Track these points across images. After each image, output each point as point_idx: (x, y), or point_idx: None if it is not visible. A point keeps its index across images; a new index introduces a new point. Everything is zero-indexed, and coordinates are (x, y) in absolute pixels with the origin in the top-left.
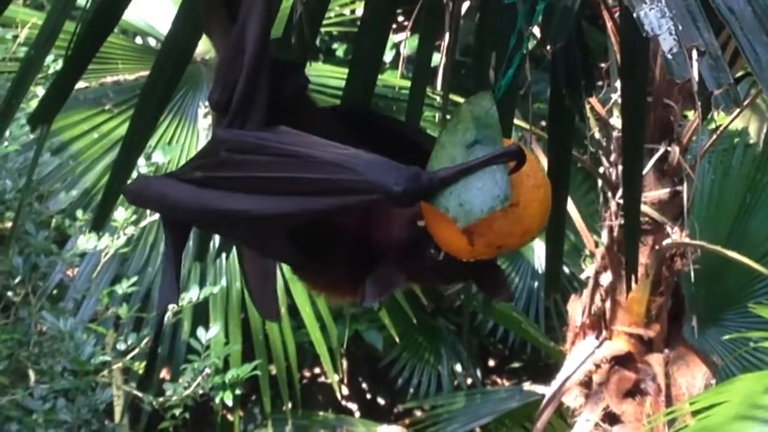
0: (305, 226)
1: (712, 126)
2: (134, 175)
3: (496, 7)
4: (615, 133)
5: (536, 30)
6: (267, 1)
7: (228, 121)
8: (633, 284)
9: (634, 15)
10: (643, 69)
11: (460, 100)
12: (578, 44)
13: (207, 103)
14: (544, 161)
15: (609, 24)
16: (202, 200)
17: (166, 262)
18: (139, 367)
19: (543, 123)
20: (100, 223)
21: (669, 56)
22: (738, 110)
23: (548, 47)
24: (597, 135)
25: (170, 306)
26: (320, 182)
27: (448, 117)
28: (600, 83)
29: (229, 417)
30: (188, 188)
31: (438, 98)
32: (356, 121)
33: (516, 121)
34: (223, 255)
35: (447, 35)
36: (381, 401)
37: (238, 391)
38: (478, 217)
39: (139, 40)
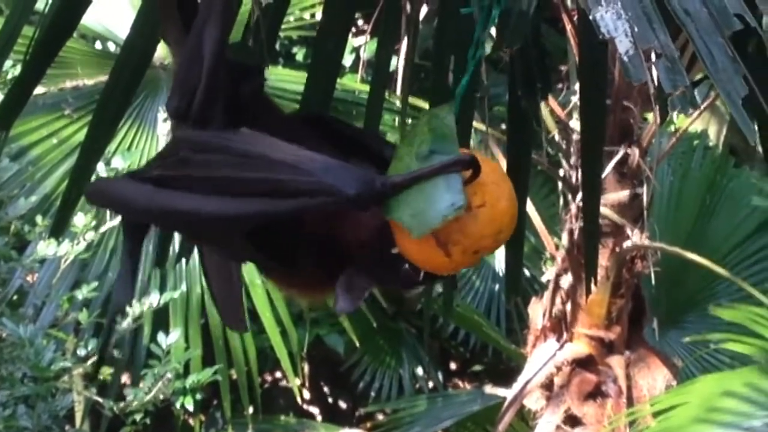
0: (265, 226)
1: (672, 128)
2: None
3: (454, 11)
4: (575, 136)
5: (495, 32)
6: (224, 6)
7: (188, 127)
8: (593, 287)
9: (590, 17)
10: (601, 71)
11: (420, 103)
12: (535, 46)
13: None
14: (503, 164)
15: (568, 26)
16: (159, 201)
17: (123, 262)
18: (103, 373)
19: (503, 126)
20: (59, 229)
21: (625, 58)
22: (697, 112)
23: (505, 50)
24: (557, 137)
25: (129, 309)
26: (276, 183)
27: (408, 121)
28: (560, 86)
29: (191, 422)
30: (146, 188)
31: (397, 102)
32: (316, 125)
33: (475, 124)
34: (183, 260)
35: (405, 39)
36: (343, 405)
37: (199, 396)
38: (432, 227)
39: (98, 44)
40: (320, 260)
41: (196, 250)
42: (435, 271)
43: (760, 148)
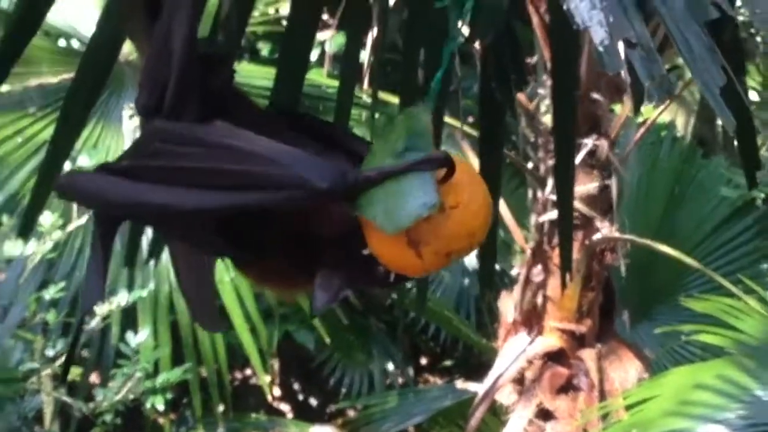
0: (237, 218)
1: (640, 119)
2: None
3: (425, 3)
4: (543, 128)
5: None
6: (191, 2)
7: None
8: (561, 278)
9: (564, 7)
10: (572, 64)
11: (388, 98)
12: (508, 39)
13: (132, 106)
14: (472, 158)
15: (535, 19)
16: (129, 193)
17: (93, 259)
18: (72, 374)
19: (470, 119)
20: (26, 229)
21: (601, 49)
22: (666, 103)
23: (477, 43)
24: (525, 131)
25: (97, 309)
26: (248, 175)
27: (376, 116)
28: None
29: (161, 421)
30: (117, 181)
31: (365, 96)
32: (288, 120)
33: (444, 119)
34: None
35: (374, 32)
36: (313, 402)
37: (169, 396)
38: (405, 225)
39: (62, 42)
40: (293, 254)
41: (166, 250)
42: (405, 272)
43: (736, 140)
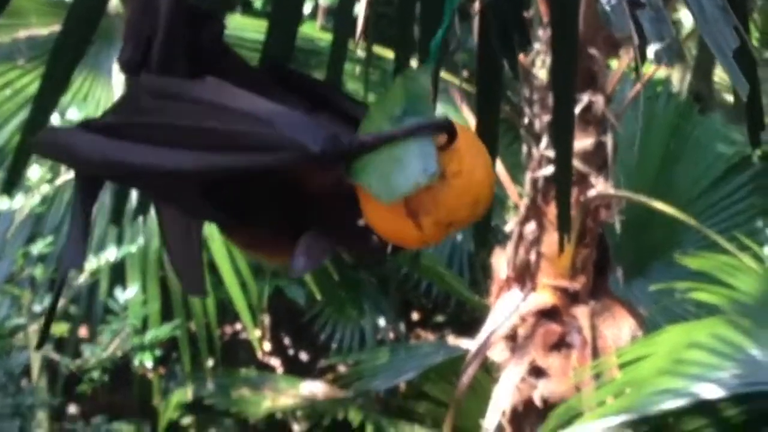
0: (225, 182)
1: (635, 75)
2: None
3: None
4: (537, 83)
5: None
6: None
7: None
8: (558, 237)
9: None
10: (573, 22)
11: (383, 52)
12: None
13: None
14: (468, 114)
15: None
16: (108, 152)
17: (74, 220)
18: (55, 329)
19: (465, 73)
20: (13, 183)
21: (607, 8)
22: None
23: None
24: (520, 85)
25: (86, 264)
26: (238, 135)
27: (370, 70)
28: None
29: (149, 376)
30: (98, 140)
31: (359, 51)
32: (282, 79)
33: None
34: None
35: None
36: (304, 357)
37: (157, 353)
38: (403, 193)
39: None
40: (283, 220)
41: (153, 207)
42: (404, 244)
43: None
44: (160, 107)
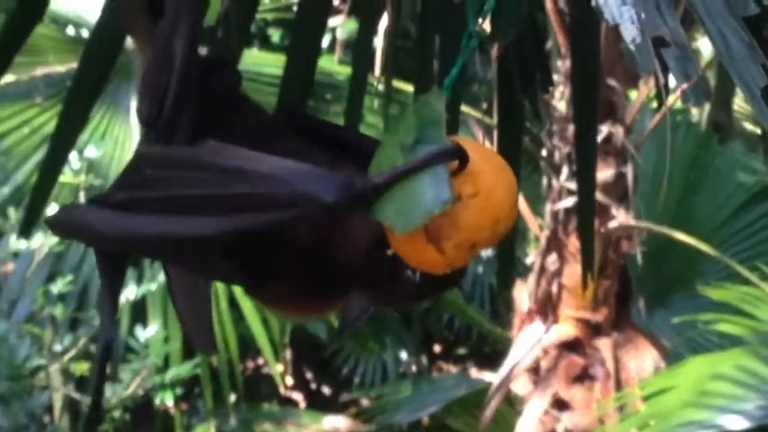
0: (243, 241)
1: (654, 105)
2: (65, 170)
3: None
4: (557, 114)
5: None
6: (195, 4)
7: (156, 134)
8: (582, 269)
9: (593, 2)
10: (594, 52)
11: (401, 85)
12: (532, 33)
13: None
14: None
15: (548, 3)
16: (125, 226)
17: (103, 294)
18: (76, 368)
19: (484, 105)
20: (31, 221)
21: (632, 47)
22: (681, 90)
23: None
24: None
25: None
26: (250, 197)
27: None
28: None
29: (171, 412)
30: (111, 214)
31: (375, 83)
32: (296, 124)
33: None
34: None
35: (386, 18)
36: (326, 391)
37: (179, 391)
38: (416, 224)
39: (70, 30)
40: (308, 277)
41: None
42: (430, 270)
43: None
44: (164, 177)
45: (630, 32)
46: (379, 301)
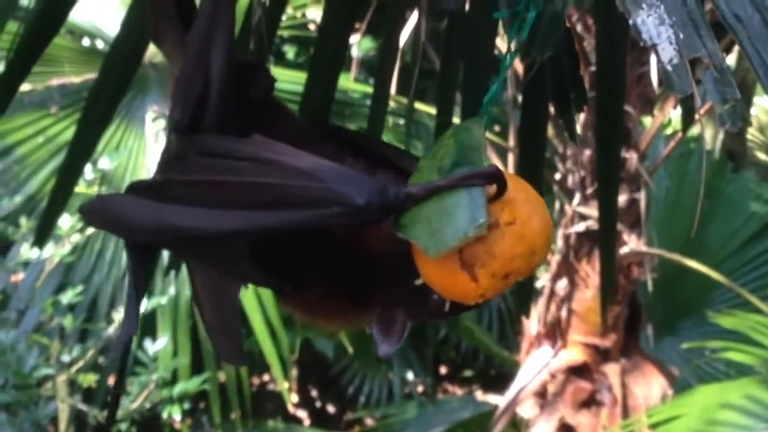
0: (274, 244)
1: (668, 132)
2: (80, 181)
3: (464, 13)
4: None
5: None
6: (230, 12)
7: (183, 140)
8: (589, 292)
9: (630, 22)
10: (620, 77)
11: (417, 105)
12: (567, 53)
13: (155, 108)
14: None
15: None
16: (156, 217)
17: (129, 289)
18: (84, 380)
19: (496, 128)
20: (44, 232)
21: (669, 68)
22: (697, 117)
23: (535, 58)
24: (552, 140)
25: (114, 315)
26: (285, 190)
27: (402, 121)
28: None
29: (177, 426)
30: (147, 204)
31: (392, 103)
32: (330, 132)
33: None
34: None
35: (404, 38)
36: (331, 409)
37: (186, 405)
38: (450, 245)
39: (86, 41)
40: (340, 283)
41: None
42: (461, 299)
43: None
44: (207, 165)
45: (668, 53)
46: (411, 317)
